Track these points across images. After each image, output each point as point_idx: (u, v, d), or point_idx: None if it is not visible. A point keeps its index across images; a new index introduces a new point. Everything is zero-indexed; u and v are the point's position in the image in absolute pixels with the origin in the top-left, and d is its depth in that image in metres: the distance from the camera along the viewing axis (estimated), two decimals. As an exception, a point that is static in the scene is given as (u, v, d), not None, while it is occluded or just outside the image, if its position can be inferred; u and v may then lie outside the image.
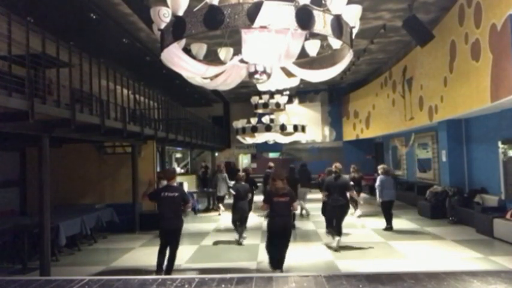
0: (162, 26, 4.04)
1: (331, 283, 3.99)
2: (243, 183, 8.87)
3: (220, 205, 13.11)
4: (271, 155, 23.35)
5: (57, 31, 7.54)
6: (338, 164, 8.23)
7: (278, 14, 3.52)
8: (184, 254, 7.93)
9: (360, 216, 11.41)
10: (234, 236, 8.90)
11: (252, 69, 4.63)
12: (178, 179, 13.25)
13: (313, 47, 4.89)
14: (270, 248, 6.14)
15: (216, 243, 8.85)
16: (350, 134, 21.05)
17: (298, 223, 10.79)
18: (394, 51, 15.24)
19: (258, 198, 11.31)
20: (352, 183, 9.42)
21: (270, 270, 6.08)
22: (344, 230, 9.57)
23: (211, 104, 24.01)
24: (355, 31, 4.28)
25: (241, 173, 9.49)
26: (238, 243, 8.52)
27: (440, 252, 7.50)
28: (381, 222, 10.69)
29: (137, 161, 10.65)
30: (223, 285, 4.04)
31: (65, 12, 8.98)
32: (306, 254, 7.63)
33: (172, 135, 12.73)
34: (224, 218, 12.12)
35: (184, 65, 4.41)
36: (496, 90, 7.74)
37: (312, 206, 12.26)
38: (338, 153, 21.11)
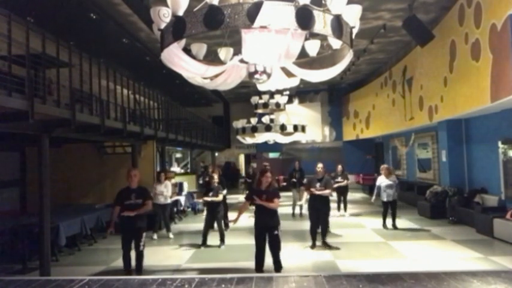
0: (162, 26, 4.04)
1: (331, 283, 4.00)
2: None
3: None
4: (271, 155, 23.32)
5: (57, 31, 7.53)
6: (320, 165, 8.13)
7: (278, 14, 3.52)
8: (185, 254, 7.95)
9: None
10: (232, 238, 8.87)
11: (252, 69, 4.64)
12: (179, 179, 13.28)
13: (313, 47, 4.89)
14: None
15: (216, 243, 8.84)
16: (350, 134, 21.04)
17: (297, 223, 10.81)
18: (394, 51, 15.24)
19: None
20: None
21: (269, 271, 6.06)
22: (343, 230, 9.61)
23: (211, 104, 24.00)
24: (355, 31, 4.28)
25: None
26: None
27: (440, 252, 7.49)
28: (381, 222, 10.68)
29: (137, 161, 10.63)
30: (223, 285, 4.04)
31: (65, 12, 8.98)
32: (305, 254, 7.60)
33: (172, 135, 12.72)
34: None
35: (184, 65, 4.41)
36: (496, 90, 7.74)
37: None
38: (338, 153, 21.13)
